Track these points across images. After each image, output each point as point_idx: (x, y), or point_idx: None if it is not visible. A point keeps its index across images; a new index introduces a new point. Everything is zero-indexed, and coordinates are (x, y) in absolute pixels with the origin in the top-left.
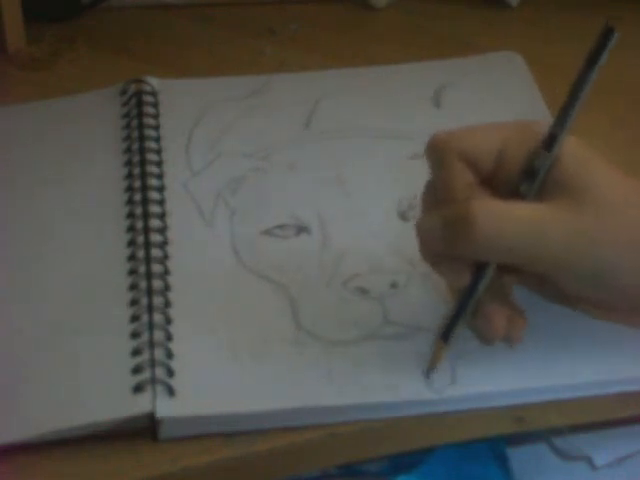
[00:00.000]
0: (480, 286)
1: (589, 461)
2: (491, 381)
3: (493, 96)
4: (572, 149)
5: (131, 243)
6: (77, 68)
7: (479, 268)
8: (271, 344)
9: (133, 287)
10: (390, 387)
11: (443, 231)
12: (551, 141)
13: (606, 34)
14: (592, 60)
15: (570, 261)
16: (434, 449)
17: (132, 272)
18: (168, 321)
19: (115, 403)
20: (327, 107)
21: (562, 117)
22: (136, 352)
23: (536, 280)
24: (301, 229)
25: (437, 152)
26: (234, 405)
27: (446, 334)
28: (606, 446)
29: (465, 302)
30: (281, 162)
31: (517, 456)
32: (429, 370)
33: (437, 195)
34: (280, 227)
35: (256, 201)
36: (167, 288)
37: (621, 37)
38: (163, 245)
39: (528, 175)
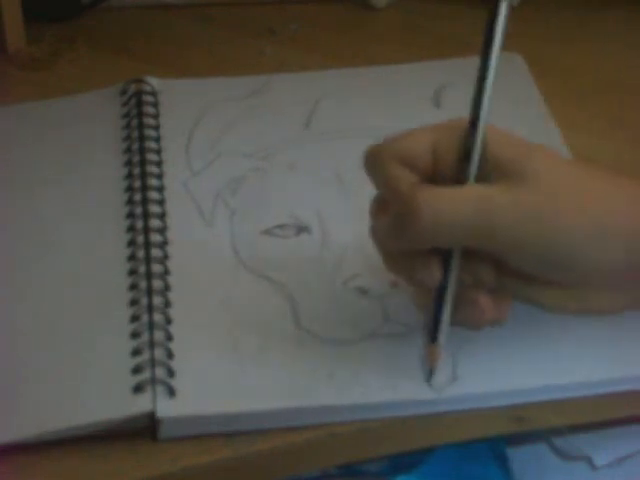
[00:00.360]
0: (451, 277)
1: (589, 461)
2: (491, 380)
3: (493, 96)
4: (500, 133)
5: (131, 243)
6: (77, 68)
7: (444, 259)
8: (271, 344)
9: (133, 287)
10: (390, 386)
11: (393, 226)
12: (475, 117)
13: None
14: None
15: (520, 238)
16: (434, 449)
17: (132, 272)
18: (168, 321)
19: (115, 403)
20: (327, 107)
21: (479, 88)
22: (136, 352)
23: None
24: (301, 229)
25: (374, 160)
26: (234, 405)
27: (433, 334)
28: (606, 446)
29: (441, 297)
30: (281, 162)
31: (517, 456)
32: (429, 374)
33: (381, 203)
34: (280, 227)
35: (256, 201)
36: (167, 288)
37: (620, 37)
38: (163, 245)
39: (465, 159)
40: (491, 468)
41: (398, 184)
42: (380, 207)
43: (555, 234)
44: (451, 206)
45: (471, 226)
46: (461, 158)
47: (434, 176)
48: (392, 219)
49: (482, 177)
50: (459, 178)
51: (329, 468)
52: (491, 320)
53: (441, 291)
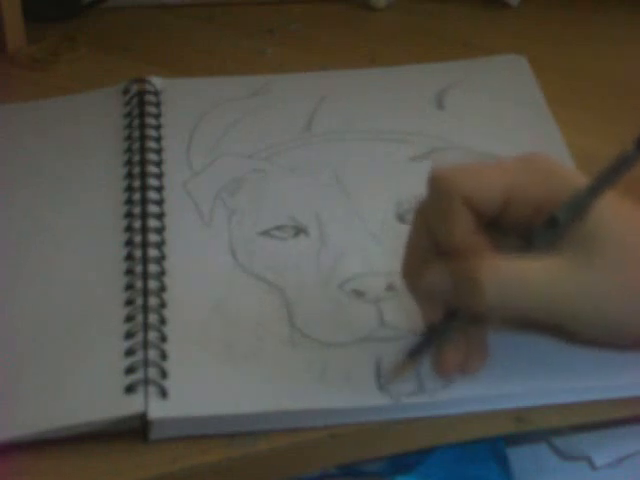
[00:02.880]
0: (452, 328)
1: (589, 461)
2: (486, 384)
3: (496, 99)
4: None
5: (128, 243)
6: (77, 68)
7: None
8: (265, 346)
9: (129, 287)
10: (384, 390)
11: (453, 287)
12: (578, 207)
13: None
14: None
15: (583, 313)
16: (434, 449)
17: (128, 272)
18: (163, 322)
19: (107, 403)
20: (328, 108)
21: (598, 186)
22: (130, 352)
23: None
24: (299, 230)
25: (441, 192)
26: (226, 407)
27: (415, 354)
28: (606, 446)
29: (436, 336)
30: (281, 163)
31: (517, 456)
32: (388, 381)
33: (437, 234)
34: (278, 228)
35: (255, 202)
36: (163, 288)
37: (622, 37)
38: (160, 245)
39: (547, 226)
40: (491, 468)
41: (456, 229)
42: (427, 234)
43: (615, 321)
44: (516, 287)
45: (530, 308)
46: (545, 223)
47: (496, 220)
48: (453, 281)
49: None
50: (528, 238)
51: (329, 468)
52: (453, 373)
53: (439, 332)
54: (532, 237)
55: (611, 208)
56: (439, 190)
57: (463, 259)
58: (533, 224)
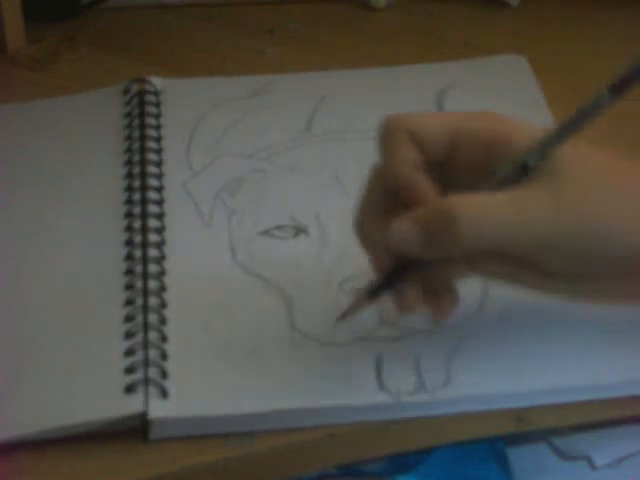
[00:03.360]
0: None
1: (589, 461)
2: (486, 383)
3: (496, 99)
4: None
5: (128, 243)
6: (77, 68)
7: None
8: (265, 345)
9: (129, 287)
10: (384, 389)
11: (423, 236)
12: (545, 146)
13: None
14: (616, 88)
15: (557, 239)
16: (434, 449)
17: (128, 272)
18: (163, 321)
19: (107, 403)
20: (328, 108)
21: (568, 129)
22: (130, 352)
23: (512, 267)
24: (299, 230)
25: (385, 128)
26: (226, 407)
27: (374, 293)
28: (606, 446)
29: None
30: (282, 163)
31: (517, 456)
32: (341, 318)
33: (385, 175)
34: (278, 228)
35: (255, 202)
36: (163, 288)
37: (622, 37)
38: (160, 245)
39: (518, 171)
40: (491, 468)
41: (396, 156)
42: (378, 181)
43: (596, 234)
44: (490, 218)
45: (508, 237)
46: (487, 155)
47: (443, 164)
48: (422, 230)
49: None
50: (486, 178)
51: (329, 468)
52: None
53: (398, 275)
54: (496, 178)
55: (571, 148)
56: (386, 127)
57: (430, 203)
58: (481, 169)
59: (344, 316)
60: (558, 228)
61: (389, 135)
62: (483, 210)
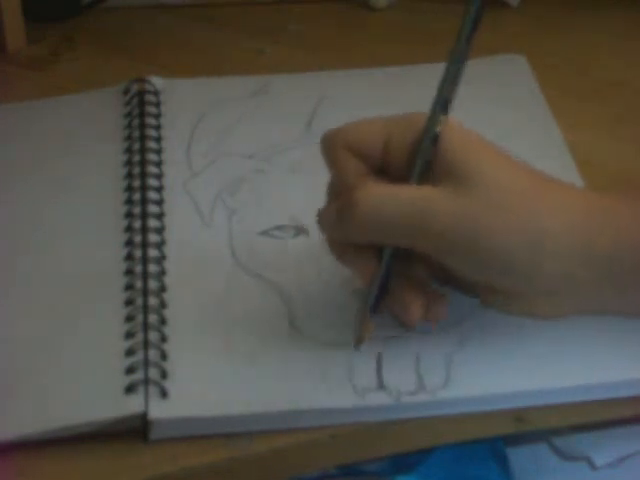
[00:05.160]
0: (384, 268)
1: (589, 461)
2: (486, 384)
3: (496, 98)
4: (454, 133)
5: (128, 243)
6: (77, 68)
7: (378, 252)
8: (266, 346)
9: (129, 287)
10: (384, 389)
11: (335, 219)
12: (428, 124)
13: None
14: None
15: (456, 244)
16: (434, 449)
17: (128, 272)
18: (163, 322)
19: (107, 403)
20: (328, 108)
21: (437, 99)
22: (130, 352)
23: (435, 268)
24: (299, 230)
25: (326, 146)
26: (226, 407)
27: (374, 306)
28: (606, 446)
29: (381, 283)
30: (282, 163)
31: (517, 456)
32: (358, 343)
33: (334, 188)
34: (278, 228)
35: (255, 202)
36: (163, 288)
37: (622, 36)
38: (160, 245)
39: (412, 161)
40: (491, 468)
41: (345, 173)
42: (331, 195)
43: (489, 249)
44: (390, 204)
45: (407, 227)
46: (411, 156)
47: (385, 169)
48: (335, 209)
49: (429, 177)
50: (406, 176)
51: (329, 468)
52: (419, 320)
53: (379, 280)
54: (404, 175)
55: (480, 145)
56: (325, 145)
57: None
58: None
59: (360, 341)
60: (458, 233)
61: (330, 152)
62: (384, 200)
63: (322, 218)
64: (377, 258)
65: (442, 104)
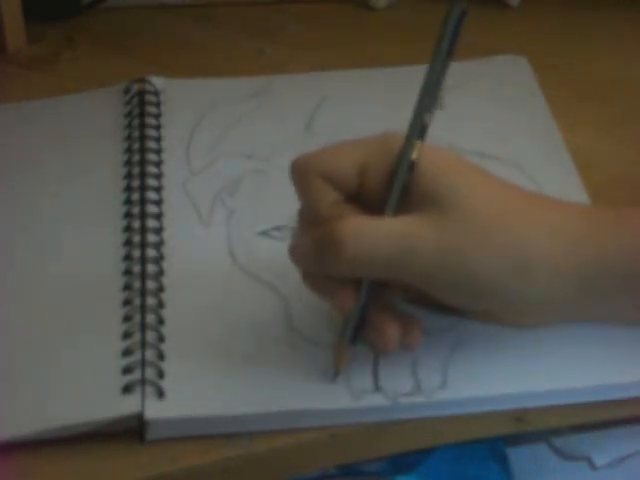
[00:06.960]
0: (362, 299)
1: (589, 461)
2: (483, 386)
3: (496, 99)
4: (430, 160)
5: (127, 243)
6: (77, 68)
7: (355, 284)
8: (263, 346)
9: (127, 287)
10: (380, 390)
11: (315, 253)
12: (404, 151)
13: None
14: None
15: (440, 273)
16: (434, 449)
17: (127, 272)
18: (160, 322)
19: (104, 403)
20: (328, 108)
21: (413, 125)
22: (127, 352)
23: (415, 294)
24: None
25: (298, 174)
26: (223, 407)
27: (353, 336)
28: (606, 446)
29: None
30: (281, 163)
31: (517, 456)
32: (335, 374)
33: (306, 217)
34: (277, 228)
35: (254, 202)
36: (161, 289)
37: (622, 37)
38: (159, 245)
39: (390, 188)
40: (491, 468)
41: (319, 204)
42: (303, 224)
43: (473, 278)
44: (373, 241)
45: (391, 261)
46: (387, 184)
47: (359, 195)
48: (313, 247)
49: (407, 204)
50: (382, 203)
51: (329, 468)
52: (397, 347)
53: (358, 311)
54: (382, 203)
55: (458, 170)
56: (298, 173)
57: (325, 224)
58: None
59: (337, 373)
60: (441, 262)
61: (302, 181)
62: (368, 237)
63: (296, 251)
64: (355, 290)
65: (418, 129)
